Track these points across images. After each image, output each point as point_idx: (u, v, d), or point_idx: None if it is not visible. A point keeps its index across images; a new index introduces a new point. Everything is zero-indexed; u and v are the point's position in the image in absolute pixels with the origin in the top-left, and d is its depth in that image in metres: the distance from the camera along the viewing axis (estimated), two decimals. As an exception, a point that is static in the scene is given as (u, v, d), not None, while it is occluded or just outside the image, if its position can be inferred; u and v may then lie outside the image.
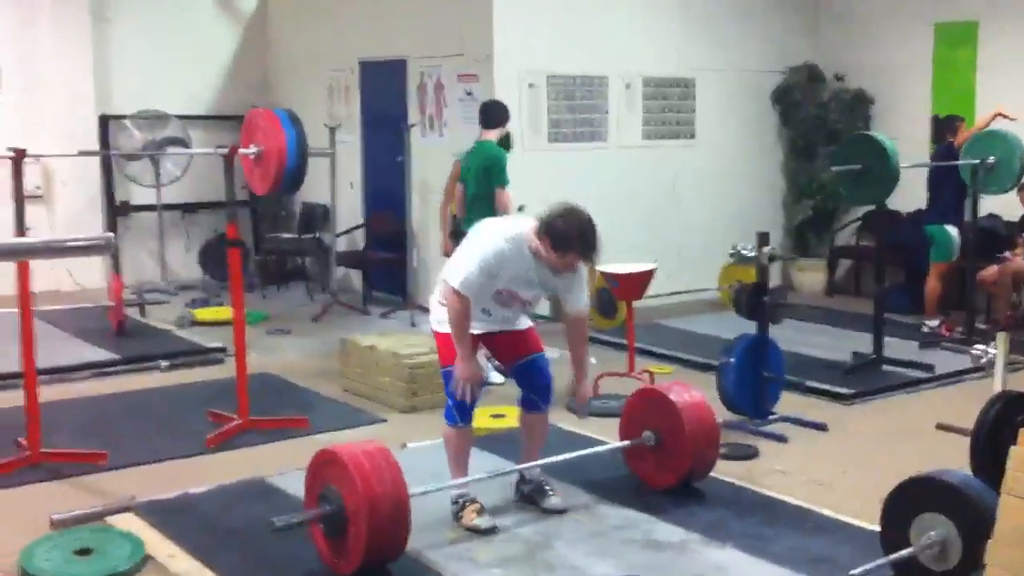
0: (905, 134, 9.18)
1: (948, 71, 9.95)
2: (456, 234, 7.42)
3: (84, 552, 4.33)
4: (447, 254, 7.49)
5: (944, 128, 8.60)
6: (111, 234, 5.39)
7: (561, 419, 5.93)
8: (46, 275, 10.21)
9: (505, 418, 5.90)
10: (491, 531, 4.55)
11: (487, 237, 4.45)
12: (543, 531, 4.61)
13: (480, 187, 6.97)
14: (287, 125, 5.81)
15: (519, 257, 4.41)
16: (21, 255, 5.13)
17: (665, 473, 5.03)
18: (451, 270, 4.49)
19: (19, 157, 5.62)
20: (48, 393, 6.53)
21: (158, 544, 4.47)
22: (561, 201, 4.46)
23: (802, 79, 10.59)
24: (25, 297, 5.35)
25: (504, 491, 4.96)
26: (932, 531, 3.89)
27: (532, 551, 4.42)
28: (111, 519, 4.73)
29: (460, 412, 4.59)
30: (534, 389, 4.79)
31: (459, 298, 4.40)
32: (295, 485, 4.50)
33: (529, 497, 4.89)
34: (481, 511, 4.63)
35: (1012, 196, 8.55)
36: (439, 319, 4.63)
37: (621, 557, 4.34)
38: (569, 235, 4.29)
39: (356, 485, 3.99)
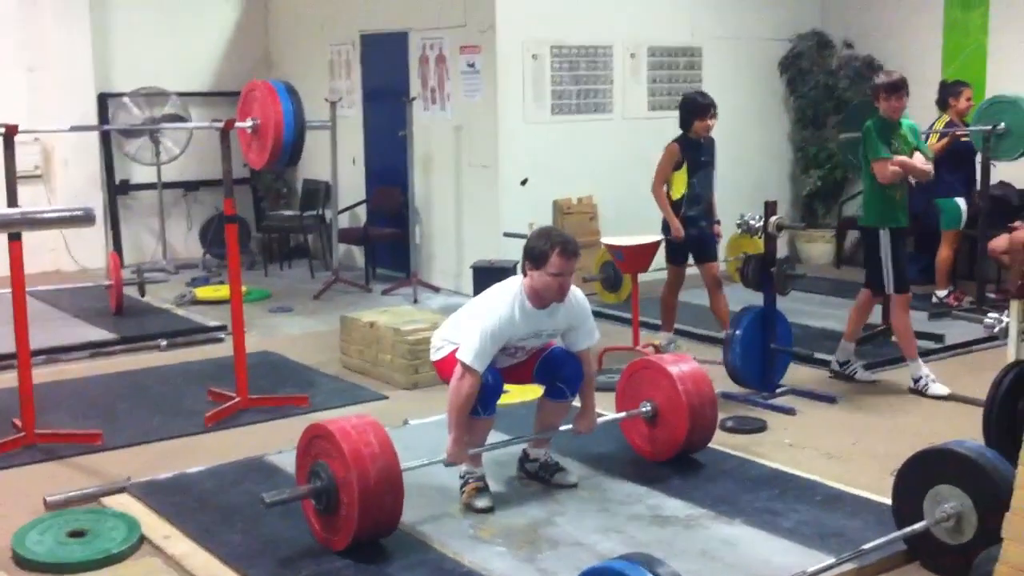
0: (915, 100, 8.97)
1: (959, 34, 9.75)
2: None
3: (78, 534, 4.24)
4: (680, 237, 6.82)
5: (948, 93, 8.44)
6: (91, 206, 5.29)
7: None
8: (46, 256, 10.17)
9: (509, 394, 5.79)
10: (487, 511, 4.43)
11: (488, 309, 4.40)
12: (547, 507, 4.51)
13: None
14: (284, 97, 5.69)
15: (523, 315, 4.40)
16: (-3, 226, 5.05)
17: (664, 444, 4.94)
18: (463, 339, 4.39)
19: (10, 133, 5.52)
20: (45, 373, 6.47)
21: (154, 525, 4.39)
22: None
23: (810, 46, 10.41)
24: (17, 276, 5.25)
25: (507, 468, 4.87)
26: (947, 504, 3.80)
27: (536, 527, 4.32)
28: (106, 500, 4.65)
29: (482, 404, 4.45)
30: (562, 379, 4.65)
31: (470, 378, 4.32)
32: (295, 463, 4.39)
33: (535, 474, 4.80)
34: (482, 490, 4.52)
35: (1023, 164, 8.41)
36: (437, 347, 4.65)
37: (627, 533, 4.24)
38: (542, 242, 4.31)
39: (345, 458, 3.92)
